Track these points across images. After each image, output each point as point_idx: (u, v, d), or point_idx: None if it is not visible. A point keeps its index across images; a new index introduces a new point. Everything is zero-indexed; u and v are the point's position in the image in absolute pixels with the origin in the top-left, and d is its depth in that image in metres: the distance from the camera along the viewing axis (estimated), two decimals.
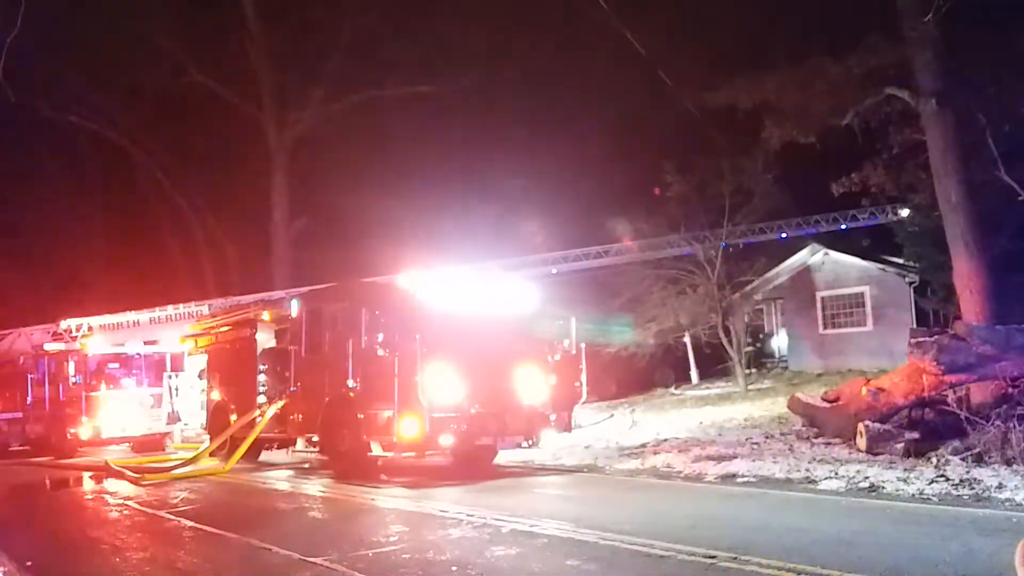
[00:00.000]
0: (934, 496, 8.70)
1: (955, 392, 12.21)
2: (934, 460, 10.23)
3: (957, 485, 8.89)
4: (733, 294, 24.14)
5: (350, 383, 12.23)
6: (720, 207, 23.30)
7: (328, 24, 31.10)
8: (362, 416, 11.98)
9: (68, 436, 19.07)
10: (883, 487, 9.18)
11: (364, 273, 19.58)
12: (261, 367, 14.88)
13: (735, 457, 11.74)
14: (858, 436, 11.70)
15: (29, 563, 7.21)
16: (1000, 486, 8.62)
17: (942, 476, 9.28)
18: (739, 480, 10.50)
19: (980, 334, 12.00)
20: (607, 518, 8.10)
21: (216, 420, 16.08)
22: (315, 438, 13.24)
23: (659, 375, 27.00)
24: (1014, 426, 9.98)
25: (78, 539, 8.59)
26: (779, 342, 27.93)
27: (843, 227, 25.83)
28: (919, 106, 14.23)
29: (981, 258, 13.78)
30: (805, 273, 25.56)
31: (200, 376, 17.28)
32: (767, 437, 14.06)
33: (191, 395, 17.83)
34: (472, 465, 12.57)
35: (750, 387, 22.60)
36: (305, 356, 13.53)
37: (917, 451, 10.86)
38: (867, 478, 9.52)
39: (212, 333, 17.30)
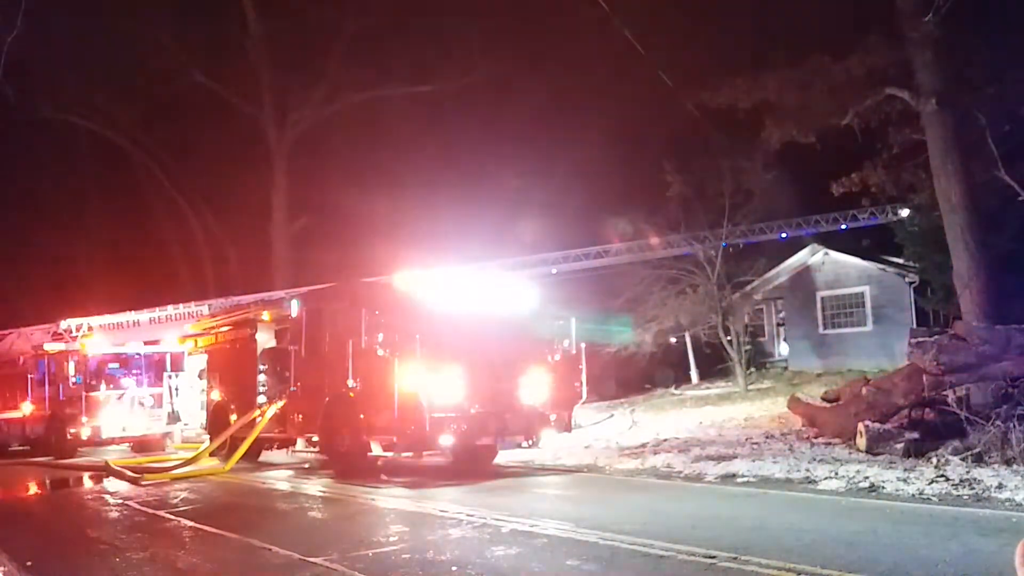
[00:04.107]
0: (934, 496, 8.70)
1: (955, 392, 12.20)
2: (934, 460, 10.23)
3: (957, 485, 8.89)
4: (733, 294, 24.15)
5: (350, 383, 12.23)
6: (720, 207, 23.29)
7: (328, 24, 31.09)
8: (362, 416, 11.99)
9: (68, 436, 19.05)
10: (883, 487, 9.18)
11: (364, 273, 19.57)
12: (261, 367, 14.88)
13: (735, 457, 11.74)
14: (858, 436, 11.71)
15: (29, 563, 7.21)
16: (1000, 486, 8.62)
17: (942, 476, 9.27)
18: (739, 480, 10.49)
19: (980, 334, 12.00)
20: (607, 518, 8.10)
21: (216, 420, 16.09)
22: (315, 438, 13.25)
23: (659, 375, 26.99)
24: (1014, 426, 9.98)
25: (78, 539, 8.59)
26: (779, 342, 27.94)
27: (843, 227, 25.84)
28: (919, 106, 14.24)
29: (981, 258, 13.78)
30: (805, 273, 25.56)
31: (200, 376, 17.29)
32: (767, 437, 14.06)
33: (191, 395, 17.83)
34: (472, 465, 12.56)
35: (750, 387, 22.61)
36: (305, 356, 13.53)
37: (917, 451, 10.85)
38: (867, 478, 9.51)
39: (212, 333, 17.30)
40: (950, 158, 13.99)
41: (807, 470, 10.38)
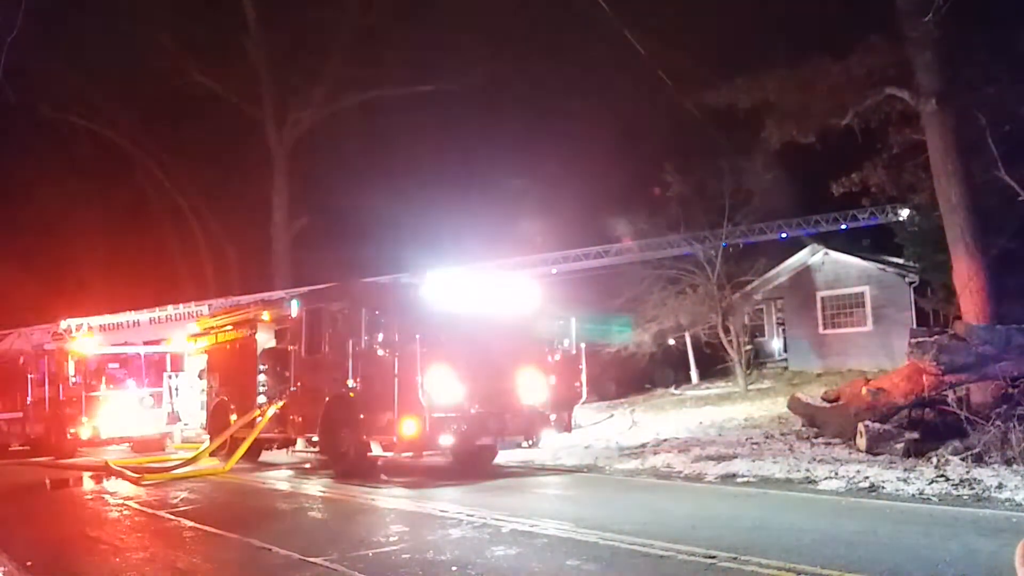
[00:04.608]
0: (934, 496, 8.70)
1: (955, 392, 12.20)
2: (934, 460, 10.23)
3: (957, 485, 8.89)
4: (733, 294, 24.14)
5: (350, 383, 12.23)
6: (720, 207, 23.30)
7: (328, 24, 31.09)
8: (362, 416, 11.99)
9: (68, 436, 19.05)
10: (883, 487, 9.18)
11: (364, 273, 19.61)
12: (261, 367, 14.88)
13: (735, 457, 11.74)
14: (858, 436, 11.71)
15: (29, 563, 7.21)
16: (1000, 486, 8.62)
17: (942, 476, 9.27)
18: (739, 480, 10.50)
19: (980, 334, 12.00)
20: (607, 518, 8.11)
21: (216, 420, 16.09)
22: (315, 438, 13.24)
23: (659, 375, 26.98)
24: (1014, 426, 9.98)
25: (78, 539, 8.59)
26: (779, 342, 27.93)
27: (843, 227, 25.85)
28: (919, 106, 14.22)
29: (981, 258, 13.76)
30: (805, 273, 25.56)
31: (200, 376, 17.29)
32: (767, 437, 14.06)
33: (191, 395, 17.83)
34: (472, 465, 12.57)
35: (750, 387, 22.60)
36: (305, 356, 13.53)
37: (917, 451, 10.86)
38: (867, 478, 9.52)
39: (212, 333, 17.30)
40: (950, 158, 13.97)
41: (807, 470, 10.38)
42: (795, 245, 25.93)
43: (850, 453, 11.57)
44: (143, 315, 21.10)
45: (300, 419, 13.69)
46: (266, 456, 15.66)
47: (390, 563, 6.55)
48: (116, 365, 20.26)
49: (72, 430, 19.01)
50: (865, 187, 17.08)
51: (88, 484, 14.23)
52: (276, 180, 32.59)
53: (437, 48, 30.17)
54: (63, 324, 20.12)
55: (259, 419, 14.25)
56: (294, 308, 13.93)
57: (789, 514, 8.29)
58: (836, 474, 9.95)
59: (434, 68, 30.40)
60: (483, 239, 24.47)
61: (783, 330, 27.64)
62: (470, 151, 29.86)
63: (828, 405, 14.19)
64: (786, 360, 26.45)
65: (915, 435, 11.29)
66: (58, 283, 31.82)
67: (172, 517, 9.45)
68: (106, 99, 31.90)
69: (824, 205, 24.62)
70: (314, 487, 11.98)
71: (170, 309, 21.05)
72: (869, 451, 11.28)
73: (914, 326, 20.43)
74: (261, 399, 14.65)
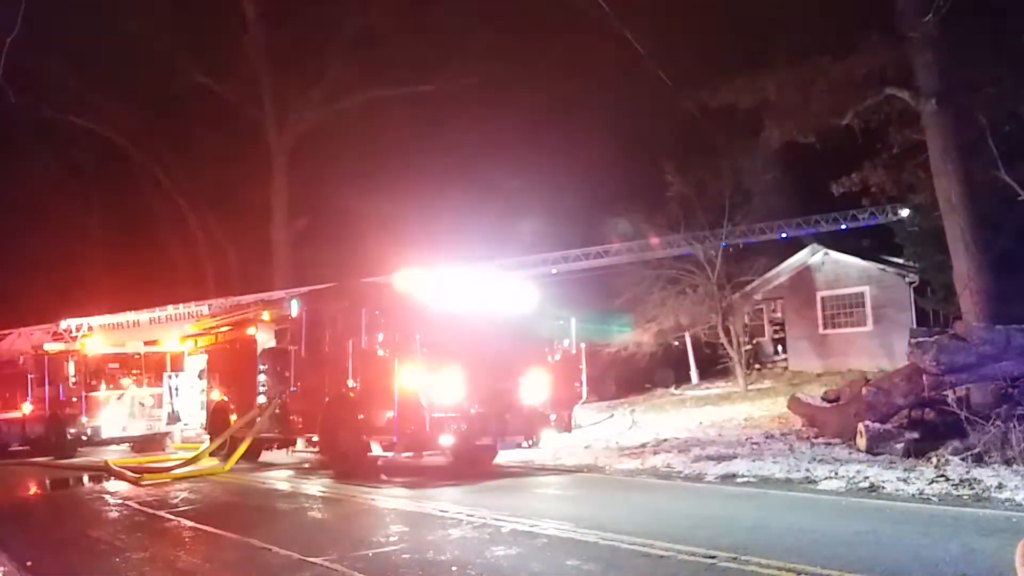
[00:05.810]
0: (934, 496, 8.70)
1: (955, 392, 12.22)
2: (934, 460, 10.23)
3: (957, 485, 8.89)
4: (733, 294, 24.15)
5: (350, 383, 12.24)
6: (720, 207, 23.32)
7: (328, 24, 31.10)
8: (362, 416, 11.99)
9: (68, 436, 19.06)
10: (883, 487, 9.18)
11: (364, 273, 19.57)
12: (261, 367, 14.88)
13: (735, 457, 11.74)
14: (858, 436, 11.71)
15: (29, 563, 7.21)
16: (1000, 486, 8.62)
17: (942, 476, 9.27)
18: (739, 480, 10.49)
19: (980, 334, 12.00)
20: (607, 518, 8.10)
21: (216, 420, 16.09)
22: (315, 438, 13.24)
23: (659, 375, 26.99)
24: (1014, 426, 9.98)
25: (78, 539, 8.58)
26: (779, 342, 27.94)
27: (843, 227, 25.88)
28: (919, 106, 14.24)
29: (981, 258, 13.78)
30: (805, 273, 25.57)
31: (200, 376, 17.28)
32: (767, 437, 14.07)
33: (191, 395, 17.83)
34: (472, 465, 12.56)
35: (750, 387, 22.61)
36: (305, 356, 13.53)
37: (917, 451, 10.87)
38: (867, 478, 9.52)
39: (212, 333, 17.30)
40: (950, 158, 13.99)
41: (807, 470, 10.38)
42: (795, 245, 25.95)
43: (850, 453, 11.58)
44: (143, 315, 21.10)
45: (300, 419, 13.69)
46: (266, 456, 15.66)
47: (390, 563, 6.55)
48: (116, 365, 20.26)
49: (72, 430, 19.02)
50: (865, 187, 17.10)
51: (88, 484, 14.23)
52: (276, 180, 32.56)
53: (437, 48, 30.19)
54: (63, 324, 20.14)
55: (259, 419, 14.25)
56: (294, 308, 13.93)
57: (789, 514, 8.29)
58: (836, 474, 9.95)
59: (434, 68, 30.41)
60: (483, 239, 24.44)
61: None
62: (470, 151, 29.85)
63: (828, 405, 14.22)
64: (786, 360, 26.46)
65: (915, 435, 11.30)
66: (58, 283, 31.83)
67: (172, 517, 9.45)
68: (106, 99, 31.89)
69: (824, 205, 24.66)
70: (314, 487, 11.97)
71: (170, 309, 21.04)
72: (869, 451, 11.29)
73: (914, 326, 20.46)
74: (261, 399, 14.65)
